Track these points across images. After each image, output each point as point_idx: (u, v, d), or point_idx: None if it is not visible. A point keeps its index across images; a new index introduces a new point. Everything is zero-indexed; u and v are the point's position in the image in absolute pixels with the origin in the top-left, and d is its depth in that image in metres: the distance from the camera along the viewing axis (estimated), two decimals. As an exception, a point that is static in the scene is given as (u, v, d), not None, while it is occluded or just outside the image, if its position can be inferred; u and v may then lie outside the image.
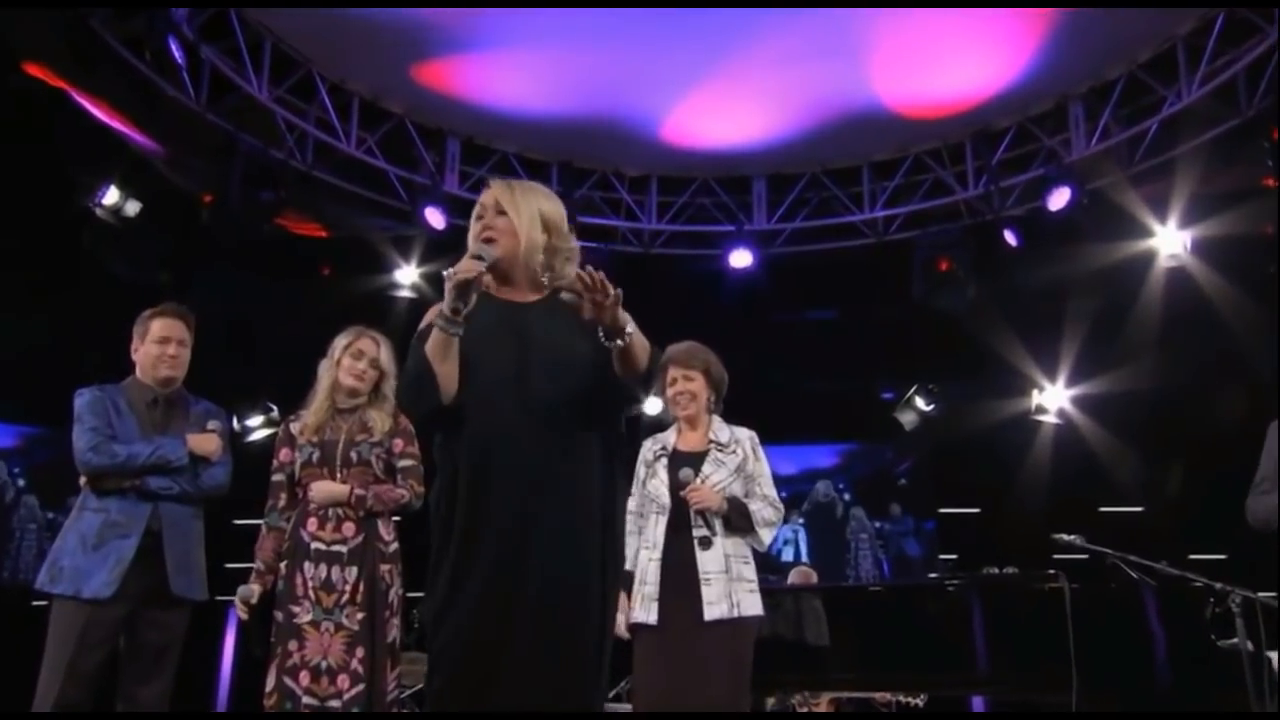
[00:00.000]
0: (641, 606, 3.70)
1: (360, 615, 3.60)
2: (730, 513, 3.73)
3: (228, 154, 6.88)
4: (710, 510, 3.69)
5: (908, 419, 9.62)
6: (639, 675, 3.72)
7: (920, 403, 9.48)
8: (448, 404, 2.35)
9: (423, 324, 2.46)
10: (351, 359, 3.86)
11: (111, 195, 6.53)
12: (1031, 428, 9.24)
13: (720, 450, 3.86)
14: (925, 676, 5.11)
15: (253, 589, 3.75)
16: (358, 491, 3.70)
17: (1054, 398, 9.13)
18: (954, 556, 9.72)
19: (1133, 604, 4.52)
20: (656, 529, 3.77)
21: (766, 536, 3.80)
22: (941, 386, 9.43)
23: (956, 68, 7.41)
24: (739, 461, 3.85)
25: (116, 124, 6.44)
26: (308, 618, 3.59)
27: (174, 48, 6.24)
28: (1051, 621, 4.39)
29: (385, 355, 3.90)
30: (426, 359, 2.34)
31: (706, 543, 3.67)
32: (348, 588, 3.61)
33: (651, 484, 3.85)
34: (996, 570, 5.35)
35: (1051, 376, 9.06)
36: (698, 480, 3.73)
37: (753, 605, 3.67)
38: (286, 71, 7.39)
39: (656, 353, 2.46)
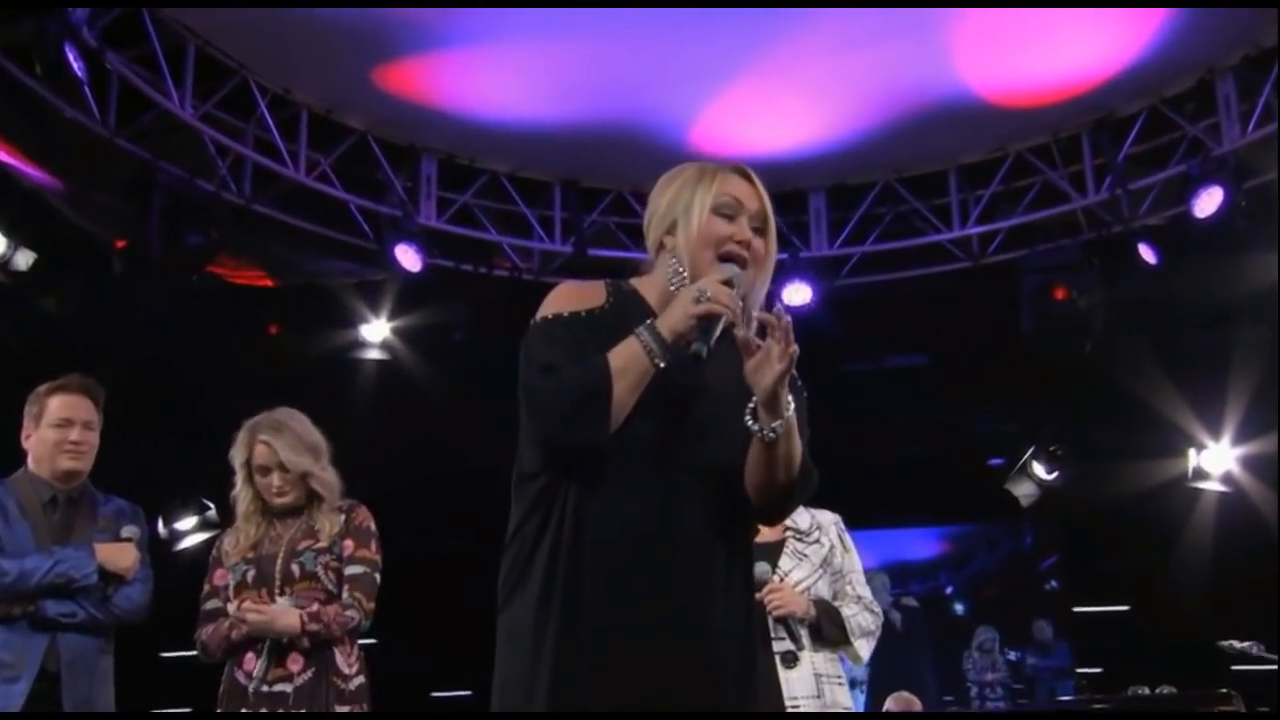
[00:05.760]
0: None
1: (314, 775, 3.57)
2: (820, 619, 3.69)
3: (144, 188, 6.95)
4: (794, 617, 3.65)
5: (1023, 491, 9.49)
6: None
7: (1039, 470, 9.36)
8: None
9: (561, 309, 2.31)
10: (260, 476, 3.81)
11: (-3, 245, 6.62)
12: (1189, 498, 9.12)
13: (800, 540, 3.83)
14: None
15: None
16: (310, 626, 3.63)
17: (1217, 458, 9.02)
18: (1095, 670, 9.54)
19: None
20: None
21: (864, 650, 3.77)
22: (1067, 448, 9.32)
23: (1066, 40, 7.40)
24: (824, 553, 3.82)
25: (2, 155, 6.54)
26: (248, 781, 3.56)
27: (72, 58, 6.32)
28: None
29: (287, 449, 3.78)
30: (608, 375, 2.16)
31: (791, 659, 3.63)
32: (295, 739, 3.58)
33: None
34: (1148, 690, 5.26)
35: (1213, 432, 8.95)
36: (775, 578, 3.68)
37: None
38: (216, 82, 7.49)
39: (812, 471, 2.33)
